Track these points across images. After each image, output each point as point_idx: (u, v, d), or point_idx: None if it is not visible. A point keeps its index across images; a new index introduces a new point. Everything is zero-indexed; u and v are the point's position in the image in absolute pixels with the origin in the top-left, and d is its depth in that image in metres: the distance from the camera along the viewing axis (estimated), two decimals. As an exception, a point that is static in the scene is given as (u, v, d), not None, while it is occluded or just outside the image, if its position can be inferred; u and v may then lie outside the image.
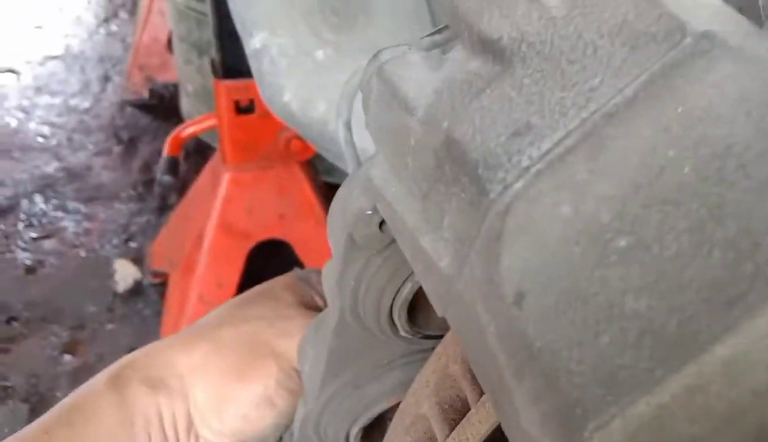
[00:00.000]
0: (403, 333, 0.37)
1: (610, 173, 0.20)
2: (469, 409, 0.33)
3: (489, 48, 0.25)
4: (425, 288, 0.26)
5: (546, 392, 0.20)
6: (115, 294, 1.89)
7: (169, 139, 1.46)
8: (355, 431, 0.44)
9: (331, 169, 1.87)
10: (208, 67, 1.73)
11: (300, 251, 1.56)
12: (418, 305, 0.36)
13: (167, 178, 1.40)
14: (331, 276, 0.42)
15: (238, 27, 0.71)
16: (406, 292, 0.34)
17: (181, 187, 2.22)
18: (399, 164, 0.28)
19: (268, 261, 1.61)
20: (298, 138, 1.37)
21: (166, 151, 1.44)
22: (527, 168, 0.21)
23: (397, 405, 0.43)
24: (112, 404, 0.52)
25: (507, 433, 0.22)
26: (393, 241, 0.32)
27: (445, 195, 0.24)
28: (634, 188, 0.20)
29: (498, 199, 0.21)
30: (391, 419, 0.45)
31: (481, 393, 0.30)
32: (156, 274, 1.92)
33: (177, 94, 2.33)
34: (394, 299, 0.35)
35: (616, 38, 0.21)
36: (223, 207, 1.44)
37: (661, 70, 0.20)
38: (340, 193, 0.37)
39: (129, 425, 0.52)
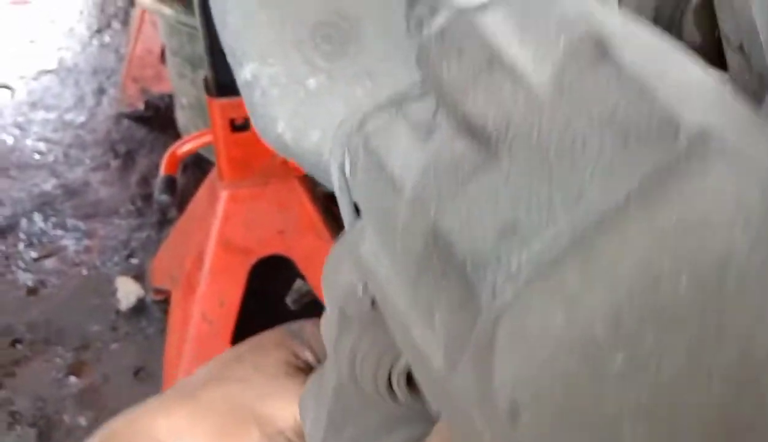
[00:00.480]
0: (403, 400, 0.36)
1: (604, 283, 0.19)
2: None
3: (474, 132, 0.24)
4: (418, 379, 0.25)
5: None
6: (118, 312, 1.89)
7: (165, 158, 1.45)
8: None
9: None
10: (201, 81, 1.73)
11: (302, 266, 1.56)
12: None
13: (165, 198, 1.39)
14: (327, 335, 0.41)
15: (229, 57, 0.70)
16: (404, 362, 0.33)
17: (180, 202, 2.22)
18: (388, 243, 0.27)
19: (270, 277, 1.60)
20: (295, 153, 1.36)
21: (162, 170, 1.44)
22: (516, 273, 0.20)
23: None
24: None
25: None
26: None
27: (435, 288, 0.23)
28: (629, 300, 0.19)
29: (487, 306, 0.20)
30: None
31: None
32: (158, 291, 1.92)
33: (172, 105, 2.32)
34: (391, 369, 0.34)
35: (606, 130, 0.20)
36: (222, 224, 1.43)
37: (654, 174, 0.19)
38: (331, 259, 0.36)
39: None
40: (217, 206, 1.43)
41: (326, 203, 1.62)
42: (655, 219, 0.19)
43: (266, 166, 1.38)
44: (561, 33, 0.24)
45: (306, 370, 0.53)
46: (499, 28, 0.26)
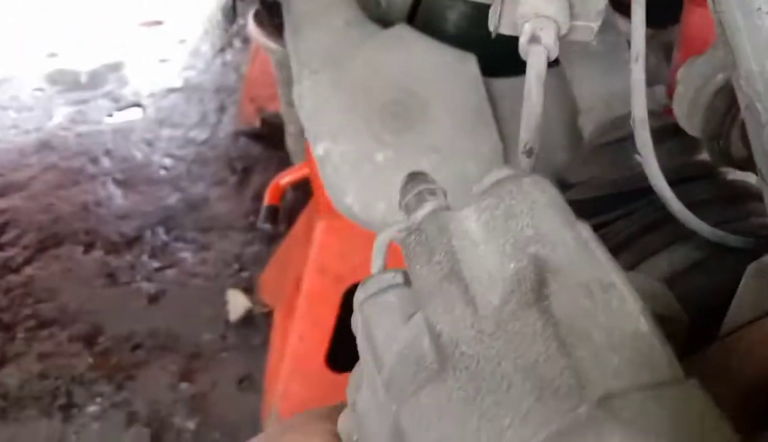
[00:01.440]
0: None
1: None
2: None
3: (434, 337, 0.26)
4: None
5: None
6: (228, 323, 2.02)
7: (269, 189, 1.54)
8: None
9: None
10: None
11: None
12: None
13: (267, 227, 1.47)
14: None
15: (306, 134, 0.75)
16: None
17: (290, 216, 2.33)
18: (373, 407, 0.30)
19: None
20: (386, 189, 1.40)
21: (266, 200, 1.53)
22: None
23: None
24: None
25: None
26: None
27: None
28: None
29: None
30: None
31: None
32: (265, 304, 2.03)
33: (285, 124, 2.43)
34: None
35: (527, 381, 0.22)
36: (319, 253, 1.51)
37: (557, 435, 0.21)
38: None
39: None
40: (313, 236, 1.50)
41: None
42: (553, 480, 0.21)
43: (360, 200, 1.43)
44: (514, 256, 0.26)
45: None
46: (471, 230, 0.28)
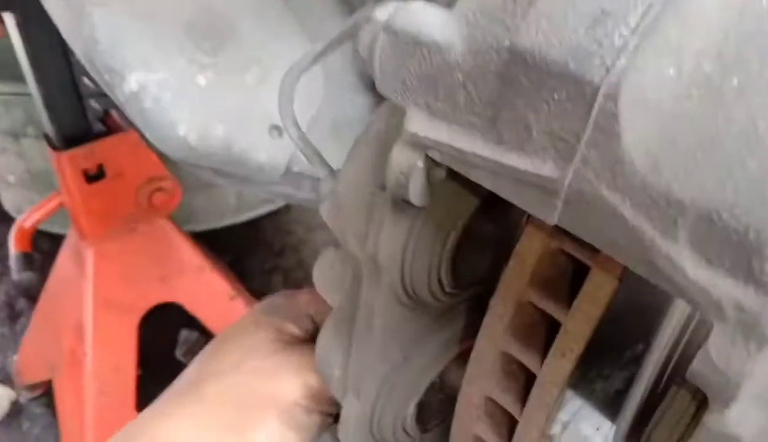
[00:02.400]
0: (448, 289, 0.37)
1: (699, 28, 0.22)
2: (550, 330, 0.34)
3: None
4: (523, 205, 0.27)
5: (709, 233, 0.22)
6: (-8, 425, 1.68)
7: (13, 235, 1.32)
8: (411, 410, 0.43)
9: (190, 217, 1.80)
10: (30, 150, 1.59)
11: (191, 308, 1.49)
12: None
13: (27, 275, 1.26)
14: (328, 279, 0.42)
15: (106, 77, 0.67)
16: (451, 242, 0.35)
17: (26, 290, 2.03)
18: (446, 105, 0.29)
19: (161, 322, 1.52)
20: (160, 190, 1.30)
21: (13, 248, 1.31)
22: (623, 46, 0.23)
23: (444, 373, 0.44)
24: None
25: (674, 292, 0.23)
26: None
27: (527, 107, 0.25)
28: (724, 34, 0.22)
29: (603, 82, 0.23)
30: (437, 393, 0.45)
31: (569, 306, 0.32)
32: (32, 387, 1.74)
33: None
34: (441, 255, 0.35)
35: None
36: (96, 285, 1.34)
37: None
38: (353, 163, 0.37)
39: None
40: (85, 268, 1.33)
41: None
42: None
43: (130, 212, 1.31)
44: None
45: (292, 342, 0.52)
46: None
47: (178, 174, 1.38)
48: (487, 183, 0.28)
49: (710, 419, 0.24)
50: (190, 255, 1.46)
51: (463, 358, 0.40)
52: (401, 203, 0.32)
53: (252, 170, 0.71)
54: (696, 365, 0.23)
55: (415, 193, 0.31)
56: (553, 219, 0.26)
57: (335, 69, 0.79)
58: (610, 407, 0.41)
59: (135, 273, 1.37)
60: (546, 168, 0.25)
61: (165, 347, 1.83)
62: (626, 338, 0.38)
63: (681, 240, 0.23)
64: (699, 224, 0.22)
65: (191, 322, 1.56)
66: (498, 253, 0.40)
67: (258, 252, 2.13)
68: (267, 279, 2.08)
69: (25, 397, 1.75)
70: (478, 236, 0.39)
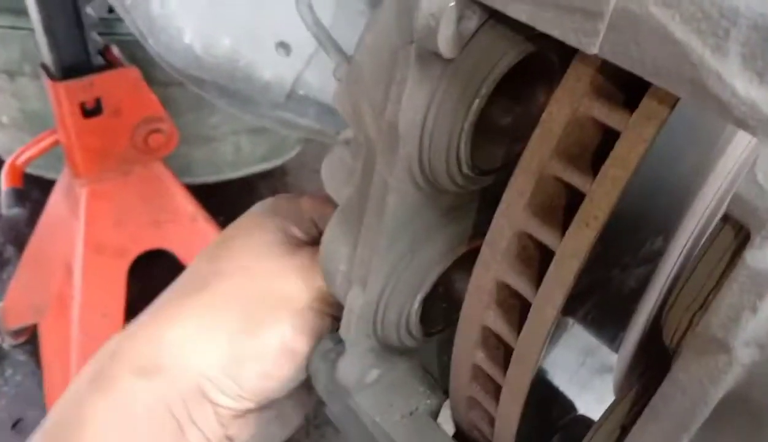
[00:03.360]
0: (465, 169, 0.36)
1: None
2: (571, 209, 0.33)
3: None
4: (562, 35, 0.25)
5: (763, 45, 0.21)
6: (-25, 369, 1.67)
7: (5, 171, 1.30)
8: (416, 306, 0.42)
9: (186, 169, 1.77)
10: (25, 89, 1.56)
11: (183, 256, 1.47)
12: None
13: (16, 211, 1.24)
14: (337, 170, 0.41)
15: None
16: (474, 110, 0.33)
17: (14, 237, 2.01)
18: None
19: (150, 275, 1.50)
20: (157, 132, 1.28)
21: (4, 184, 1.28)
22: None
23: (452, 268, 0.43)
24: (105, 409, 0.46)
25: (721, 113, 0.22)
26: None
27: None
28: None
29: None
30: (441, 290, 0.44)
31: (595, 174, 0.30)
32: (17, 333, 1.72)
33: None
34: (462, 124, 0.33)
35: None
36: (88, 226, 1.32)
37: None
38: (369, 38, 0.35)
39: (130, 427, 0.46)
40: (78, 208, 1.31)
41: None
42: None
43: (126, 152, 1.28)
44: None
45: (299, 244, 0.51)
46: None
47: (176, 123, 1.36)
48: (525, 16, 0.26)
49: (750, 254, 0.23)
50: (184, 203, 1.44)
51: (469, 263, 0.39)
52: (427, 57, 0.31)
53: (256, 88, 0.69)
54: (740, 188, 0.22)
55: (445, 40, 0.29)
56: (594, 47, 0.25)
57: (345, -4, 0.77)
58: (622, 308, 0.40)
59: (128, 216, 1.35)
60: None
61: (151, 299, 1.81)
62: (647, 227, 0.37)
63: (732, 54, 0.21)
64: (753, 34, 0.21)
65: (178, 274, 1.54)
66: (515, 145, 0.39)
67: (251, 213, 2.11)
68: (259, 239, 2.06)
69: (8, 343, 1.74)
70: (498, 120, 0.38)
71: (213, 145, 1.71)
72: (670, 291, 0.34)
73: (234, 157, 1.77)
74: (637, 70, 0.24)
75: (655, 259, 0.37)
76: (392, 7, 0.33)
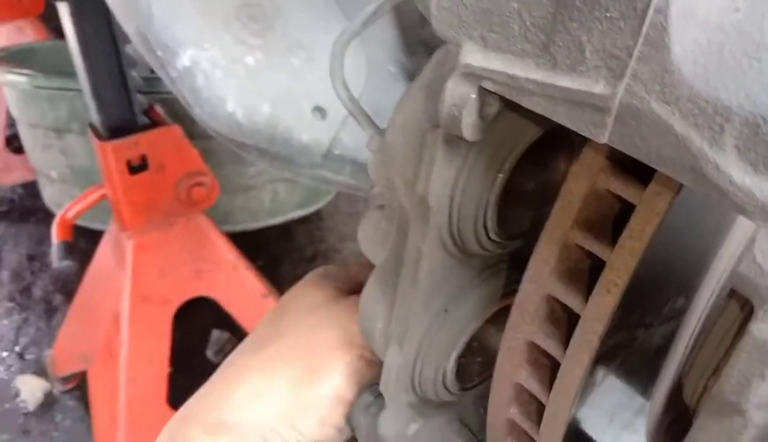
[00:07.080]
0: (493, 236, 0.38)
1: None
2: (594, 273, 0.35)
3: None
4: (574, 126, 0.28)
5: (755, 139, 0.23)
6: (27, 414, 1.72)
7: (56, 225, 1.36)
8: (451, 364, 0.44)
9: (225, 218, 1.83)
10: (73, 146, 1.64)
11: (225, 303, 1.51)
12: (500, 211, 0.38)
13: (67, 263, 1.30)
14: (371, 234, 0.43)
15: (159, 53, 0.70)
16: (498, 184, 0.36)
17: (63, 286, 2.07)
18: (500, 36, 0.30)
19: (193, 322, 1.54)
20: (200, 185, 1.33)
21: (56, 238, 1.35)
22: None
23: (486, 324, 0.45)
24: None
25: (720, 199, 0.24)
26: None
27: (580, 29, 0.27)
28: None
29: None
30: (476, 345, 0.46)
31: (614, 246, 0.33)
32: (66, 379, 1.78)
33: (28, 193, 2.19)
34: (488, 197, 0.36)
35: None
36: (135, 277, 1.37)
37: None
38: (406, 102, 0.38)
39: None
40: (125, 260, 1.36)
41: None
42: None
43: (170, 206, 1.34)
44: None
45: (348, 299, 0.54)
46: None
47: (217, 174, 1.42)
48: (540, 108, 0.29)
49: (755, 326, 0.25)
50: (226, 252, 1.48)
51: (502, 319, 0.41)
52: (453, 140, 0.33)
53: (295, 150, 0.73)
54: (741, 268, 0.24)
55: (468, 126, 0.32)
56: (603, 137, 0.27)
57: (377, 58, 0.81)
58: (649, 367, 0.41)
59: (172, 266, 1.40)
60: (598, 86, 0.26)
61: (195, 345, 1.86)
62: (667, 289, 0.39)
63: (728, 147, 0.24)
64: (745, 130, 0.23)
65: (221, 323, 1.58)
66: (540, 209, 0.41)
67: (290, 258, 2.16)
68: (298, 283, 2.10)
69: (58, 389, 1.79)
70: (522, 188, 0.41)
71: (251, 194, 1.77)
72: (692, 350, 0.35)
73: (271, 205, 1.82)
74: (643, 159, 0.26)
75: (678, 316, 0.39)
76: (420, 95, 0.36)
